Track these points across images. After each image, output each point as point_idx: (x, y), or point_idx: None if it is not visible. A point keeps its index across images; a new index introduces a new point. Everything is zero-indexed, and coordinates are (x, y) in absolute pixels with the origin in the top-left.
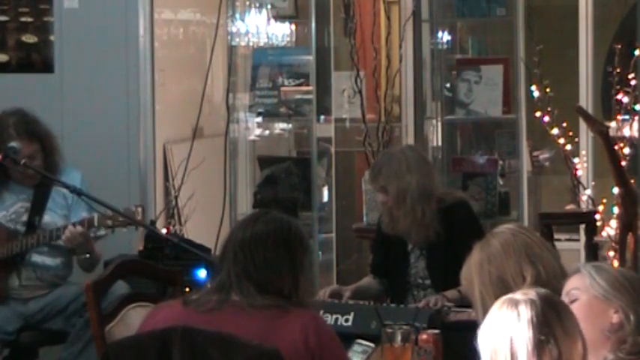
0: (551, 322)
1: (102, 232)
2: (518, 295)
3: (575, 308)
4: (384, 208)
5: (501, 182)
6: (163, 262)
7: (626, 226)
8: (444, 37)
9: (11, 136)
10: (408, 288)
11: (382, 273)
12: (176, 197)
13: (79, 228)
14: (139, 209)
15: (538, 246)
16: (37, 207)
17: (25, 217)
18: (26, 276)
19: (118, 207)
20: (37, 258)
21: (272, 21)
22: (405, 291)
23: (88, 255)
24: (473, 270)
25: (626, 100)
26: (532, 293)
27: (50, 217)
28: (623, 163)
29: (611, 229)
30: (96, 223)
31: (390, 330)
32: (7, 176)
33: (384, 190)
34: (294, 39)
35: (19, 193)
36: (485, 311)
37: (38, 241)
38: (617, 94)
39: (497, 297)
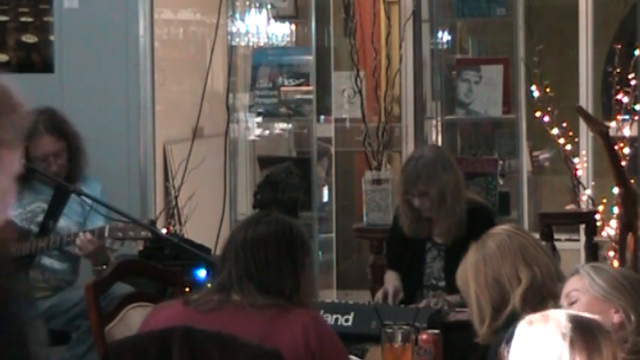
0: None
1: (116, 246)
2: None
3: (576, 309)
4: (408, 210)
5: (501, 182)
6: (163, 262)
7: (626, 226)
8: (444, 37)
9: (39, 132)
10: (419, 288)
11: (399, 266)
12: (176, 197)
13: (89, 236)
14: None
15: (533, 247)
16: (53, 210)
17: (40, 218)
18: (33, 277)
19: (118, 207)
20: (46, 261)
21: (272, 21)
22: (416, 290)
23: (105, 266)
24: (468, 271)
25: (626, 100)
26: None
27: (65, 222)
28: (623, 163)
29: (611, 229)
30: (107, 234)
31: (390, 330)
32: (30, 174)
33: (424, 194)
34: (294, 39)
35: (38, 193)
36: (480, 312)
37: (48, 246)
38: (617, 94)
39: (492, 298)
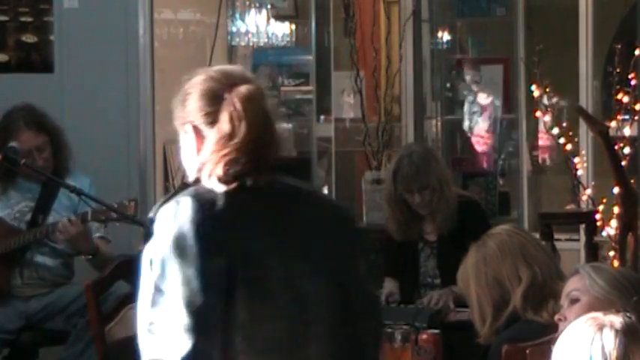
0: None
1: (101, 233)
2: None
3: (576, 309)
4: (400, 212)
5: (501, 182)
6: None
7: (626, 226)
8: (444, 37)
9: (19, 128)
10: (416, 287)
11: (396, 273)
12: None
13: (76, 221)
14: (132, 203)
15: (534, 247)
16: (42, 206)
17: (29, 217)
18: (28, 275)
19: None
20: (39, 258)
21: (272, 21)
22: (413, 291)
23: (90, 256)
24: (469, 271)
25: (626, 100)
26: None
27: (54, 218)
28: (623, 163)
29: (611, 229)
30: (89, 217)
31: (390, 330)
32: (14, 173)
33: (426, 187)
34: (294, 39)
35: (25, 192)
36: (481, 312)
37: (35, 237)
38: (617, 94)
39: (493, 298)
